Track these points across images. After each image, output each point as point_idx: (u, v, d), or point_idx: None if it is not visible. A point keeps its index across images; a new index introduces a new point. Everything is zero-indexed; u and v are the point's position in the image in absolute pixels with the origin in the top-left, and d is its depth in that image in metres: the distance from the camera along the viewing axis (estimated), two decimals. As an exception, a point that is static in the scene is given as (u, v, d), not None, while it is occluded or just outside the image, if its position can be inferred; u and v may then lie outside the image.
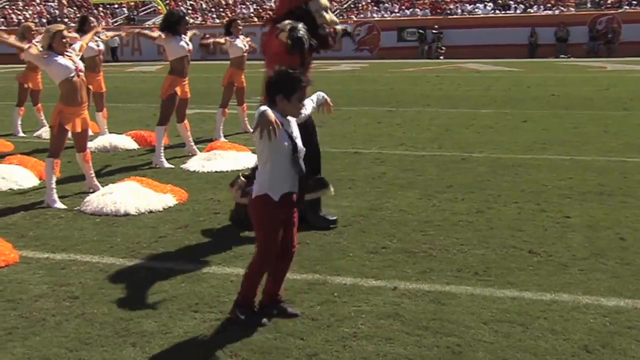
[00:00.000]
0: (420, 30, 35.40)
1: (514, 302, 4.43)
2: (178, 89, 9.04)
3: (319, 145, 6.26)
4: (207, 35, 10.33)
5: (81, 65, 7.18)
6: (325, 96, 4.66)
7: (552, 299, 4.48)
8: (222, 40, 10.96)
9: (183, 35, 8.99)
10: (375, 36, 36.30)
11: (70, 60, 7.02)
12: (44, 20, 42.05)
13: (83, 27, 10.55)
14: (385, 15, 38.63)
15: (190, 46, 9.16)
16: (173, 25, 8.85)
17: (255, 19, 39.64)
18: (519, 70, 25.15)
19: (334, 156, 9.22)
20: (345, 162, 9.08)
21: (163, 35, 8.79)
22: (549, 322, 4.14)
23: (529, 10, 36.12)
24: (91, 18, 11.49)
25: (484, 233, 5.90)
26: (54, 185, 7.10)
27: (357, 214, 6.53)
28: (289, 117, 4.05)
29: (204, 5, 43.29)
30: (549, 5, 35.95)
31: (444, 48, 34.24)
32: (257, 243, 4.15)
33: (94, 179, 7.62)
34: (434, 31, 34.82)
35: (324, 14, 5.94)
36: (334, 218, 6.19)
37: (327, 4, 6.04)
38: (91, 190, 7.43)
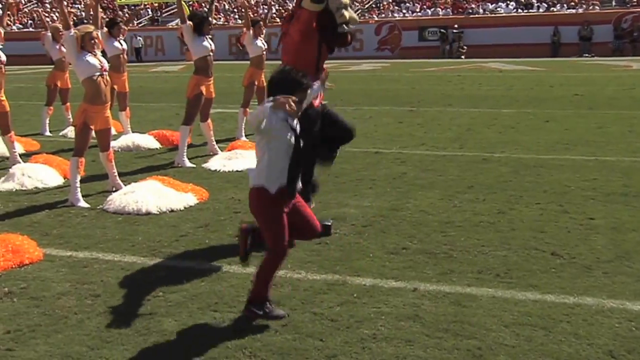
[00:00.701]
0: (442, 30, 35.25)
1: (536, 305, 4.38)
2: (203, 89, 9.10)
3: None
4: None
5: (106, 66, 7.27)
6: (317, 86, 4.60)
7: (576, 302, 4.42)
8: (244, 30, 11.03)
9: (207, 36, 9.07)
10: (396, 36, 36.21)
11: (97, 60, 7.12)
12: (71, 22, 42.45)
13: (112, 30, 10.69)
14: (407, 15, 38.52)
15: (213, 46, 9.23)
16: (197, 25, 8.93)
17: (278, 20, 39.69)
18: (542, 70, 24.94)
19: (355, 156, 9.21)
20: (366, 161, 9.06)
21: (190, 24, 8.87)
22: (572, 326, 4.08)
23: (552, 9, 35.81)
24: (119, 20, 11.61)
25: (506, 234, 5.85)
26: (78, 184, 7.17)
27: (378, 214, 6.51)
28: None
29: (226, 6, 43.45)
30: (572, 3, 35.60)
31: (465, 47, 34.05)
32: (266, 239, 4.13)
33: (117, 177, 7.68)
34: (455, 31, 34.65)
35: (344, 12, 5.87)
36: (329, 223, 5.90)
37: (347, 1, 5.97)
38: (114, 189, 7.49)
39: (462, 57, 33.41)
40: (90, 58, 7.05)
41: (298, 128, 4.07)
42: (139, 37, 39.59)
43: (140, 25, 43.42)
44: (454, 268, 5.07)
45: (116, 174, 7.69)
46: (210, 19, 9.61)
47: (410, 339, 3.94)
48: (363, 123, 12.57)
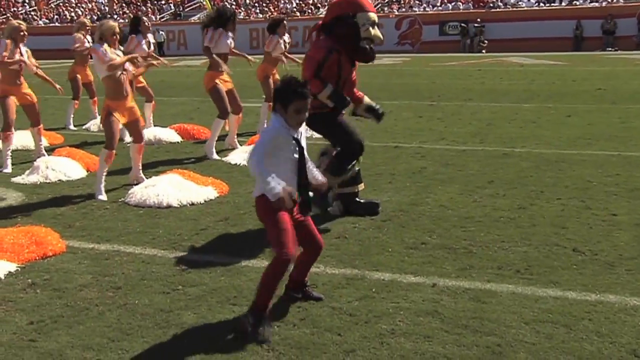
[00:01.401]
0: (463, 24, 35.03)
1: (557, 302, 4.34)
2: (219, 82, 9.12)
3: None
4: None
5: (127, 64, 7.33)
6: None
7: (598, 299, 4.37)
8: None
9: (230, 33, 9.09)
10: (417, 30, 36.05)
11: (118, 57, 7.19)
12: (95, 17, 42.92)
13: (138, 28, 10.79)
14: (427, 9, 38.32)
15: (233, 44, 9.29)
16: (225, 22, 8.95)
17: (298, 14, 39.70)
18: (564, 64, 24.70)
19: (374, 150, 9.18)
20: (386, 156, 9.04)
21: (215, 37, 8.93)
22: (594, 323, 4.03)
23: (574, 2, 35.42)
24: (144, 18, 11.71)
25: (526, 230, 5.81)
26: (103, 177, 7.24)
27: (397, 209, 6.49)
28: None
29: (247, 0, 43.53)
30: (595, -4, 35.23)
31: (486, 42, 33.82)
32: (271, 246, 4.08)
33: (141, 171, 7.73)
34: (476, 25, 34.41)
35: (370, 28, 5.93)
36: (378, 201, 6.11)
37: (376, 19, 6.03)
38: (135, 182, 7.54)
39: (483, 51, 33.19)
40: (112, 56, 7.11)
41: (303, 142, 4.06)
42: (161, 32, 39.82)
43: (162, 19, 43.66)
44: (473, 263, 5.04)
45: (140, 167, 7.74)
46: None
47: (429, 334, 3.92)
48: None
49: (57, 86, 9.23)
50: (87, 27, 11.72)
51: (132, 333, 4.02)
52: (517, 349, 3.74)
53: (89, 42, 11.57)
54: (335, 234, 5.79)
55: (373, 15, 6.00)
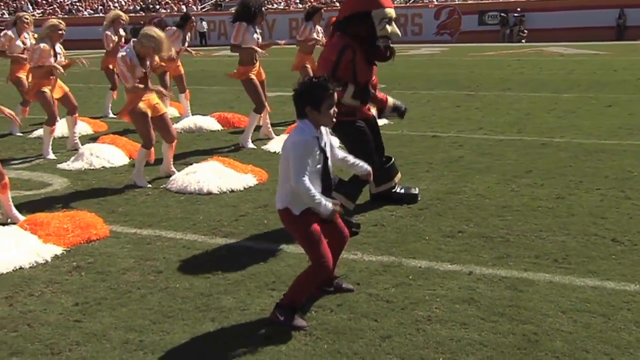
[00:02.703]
0: (502, 14, 34.57)
1: (595, 291, 4.32)
2: (252, 75, 9.15)
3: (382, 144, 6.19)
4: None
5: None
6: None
7: (637, 289, 4.33)
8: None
9: (256, 27, 9.09)
10: (456, 20, 35.71)
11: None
12: (138, 7, 43.50)
13: (185, 23, 11.02)
14: (467, -2, 37.87)
15: (260, 38, 9.32)
16: (253, 16, 8.92)
17: (338, 4, 39.60)
18: (605, 54, 24.24)
19: (412, 139, 9.19)
20: (423, 145, 9.03)
21: (241, 30, 8.93)
22: (633, 313, 4.01)
23: (617, -10, 34.61)
24: (193, 17, 11.89)
25: (564, 219, 5.77)
26: (142, 169, 7.35)
27: (434, 197, 6.50)
28: (321, 128, 3.93)
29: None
30: (640, -16, 34.37)
31: (526, 31, 33.34)
32: (308, 256, 4.03)
33: (172, 165, 7.75)
34: (516, 14, 33.93)
35: (387, 26, 5.57)
36: (357, 222, 5.64)
37: (393, 14, 5.62)
38: (166, 175, 7.61)
39: (523, 41, 32.73)
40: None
41: (328, 149, 3.95)
42: (203, 22, 40.16)
43: (203, 10, 44.02)
44: (510, 252, 5.04)
45: (172, 161, 7.77)
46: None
47: (465, 322, 3.94)
48: (421, 107, 12.51)
49: (84, 61, 9.16)
50: (122, 21, 11.78)
51: (172, 316, 4.12)
52: (554, 338, 3.74)
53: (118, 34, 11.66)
54: (373, 221, 5.83)
55: (390, 11, 5.59)
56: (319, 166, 3.88)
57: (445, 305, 4.16)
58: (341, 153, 4.19)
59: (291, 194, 3.89)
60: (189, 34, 11.47)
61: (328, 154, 3.95)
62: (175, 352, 3.71)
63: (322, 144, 3.90)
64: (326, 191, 3.95)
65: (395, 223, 5.79)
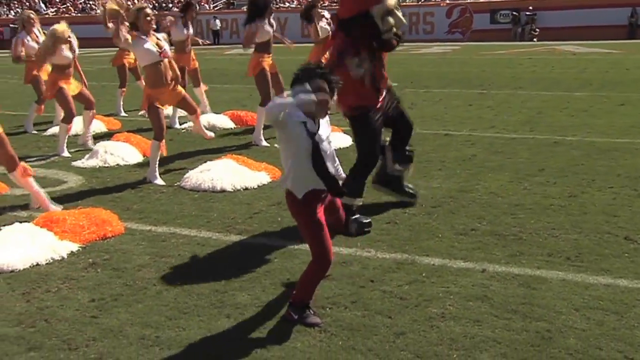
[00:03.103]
0: (514, 12, 34.46)
1: (608, 289, 4.33)
2: (265, 64, 9.24)
3: (409, 119, 6.16)
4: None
5: (168, 52, 7.36)
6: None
7: (649, 287, 4.35)
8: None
9: (270, 19, 9.21)
10: (467, 18, 35.64)
11: (156, 45, 7.22)
12: (151, 6, 43.52)
13: (187, 10, 11.06)
14: (478, -4, 37.77)
15: (275, 27, 9.43)
16: (261, 11, 9.05)
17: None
18: (617, 52, 24.13)
19: (425, 137, 9.20)
20: (436, 143, 9.04)
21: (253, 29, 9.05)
22: (645, 311, 4.02)
23: (630, -12, 34.43)
24: (194, 2, 11.91)
25: (577, 218, 5.77)
26: (156, 165, 7.42)
27: (447, 195, 6.52)
28: (320, 121, 3.90)
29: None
30: (652, -18, 34.17)
31: (537, 30, 33.22)
32: (309, 245, 3.99)
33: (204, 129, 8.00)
34: (527, 13, 33.81)
35: (389, 18, 5.52)
36: (368, 221, 5.61)
37: (392, 3, 5.52)
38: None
39: (535, 39, 32.62)
40: (148, 45, 7.17)
41: (320, 131, 3.87)
42: (216, 20, 40.19)
43: (216, 8, 44.09)
44: (523, 250, 5.05)
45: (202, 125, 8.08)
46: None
47: (479, 319, 3.97)
48: (433, 105, 12.52)
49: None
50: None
51: (188, 312, 4.17)
52: (567, 335, 3.75)
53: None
54: (386, 219, 5.86)
55: (388, 3, 5.51)
56: (308, 147, 3.79)
57: (459, 303, 4.19)
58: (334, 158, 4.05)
59: (292, 176, 3.89)
60: (190, 23, 11.36)
61: (322, 146, 3.84)
62: (191, 348, 3.75)
63: (313, 131, 3.80)
64: (328, 183, 3.88)
65: (408, 221, 5.81)
